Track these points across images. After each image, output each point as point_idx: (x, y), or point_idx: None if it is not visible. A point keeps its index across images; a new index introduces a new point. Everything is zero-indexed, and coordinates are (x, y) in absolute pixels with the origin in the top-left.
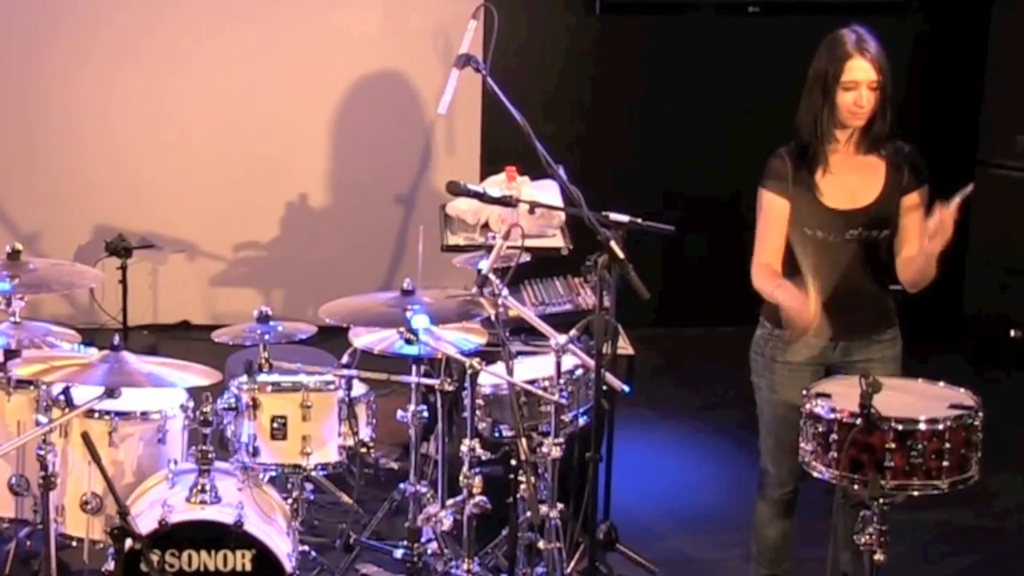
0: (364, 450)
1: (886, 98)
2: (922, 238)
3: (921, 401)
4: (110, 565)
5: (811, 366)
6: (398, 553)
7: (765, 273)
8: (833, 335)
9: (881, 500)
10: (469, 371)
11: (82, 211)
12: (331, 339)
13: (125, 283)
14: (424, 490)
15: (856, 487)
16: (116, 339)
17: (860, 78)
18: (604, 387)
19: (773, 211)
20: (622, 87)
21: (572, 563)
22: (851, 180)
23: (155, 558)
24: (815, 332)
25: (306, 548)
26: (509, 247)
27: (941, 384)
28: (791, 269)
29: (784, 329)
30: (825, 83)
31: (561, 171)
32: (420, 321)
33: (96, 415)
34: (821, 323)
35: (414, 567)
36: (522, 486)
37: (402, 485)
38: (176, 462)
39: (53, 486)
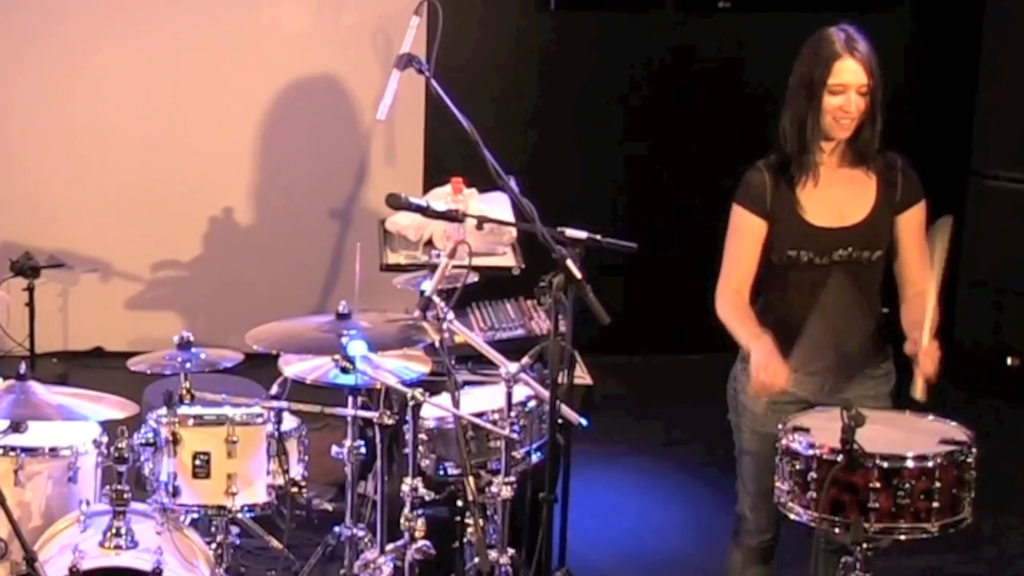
0: (295, 490)
1: (876, 105)
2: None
3: (909, 436)
4: None
5: (796, 404)
6: None
7: (736, 306)
8: (821, 370)
9: (864, 545)
10: (411, 403)
11: None
12: (259, 368)
13: (32, 306)
14: (361, 534)
15: (837, 530)
16: (22, 367)
17: (849, 81)
18: (559, 420)
19: (747, 231)
20: (578, 90)
21: None
22: (838, 196)
23: None
24: (780, 391)
25: None
26: (455, 266)
27: (930, 417)
28: (762, 300)
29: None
30: (810, 87)
31: (512, 183)
32: (357, 348)
33: (0, 451)
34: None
35: None
36: (469, 529)
37: (337, 528)
38: (88, 503)
39: None
